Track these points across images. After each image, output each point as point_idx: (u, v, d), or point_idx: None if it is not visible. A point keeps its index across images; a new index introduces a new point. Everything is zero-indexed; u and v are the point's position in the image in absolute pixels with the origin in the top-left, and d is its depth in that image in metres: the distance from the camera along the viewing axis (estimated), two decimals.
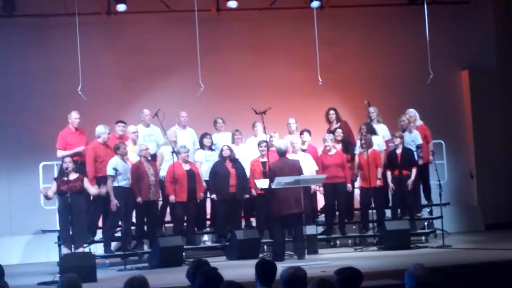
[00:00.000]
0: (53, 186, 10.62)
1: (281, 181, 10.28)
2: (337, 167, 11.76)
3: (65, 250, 10.54)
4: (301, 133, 12.20)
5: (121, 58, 13.45)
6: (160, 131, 12.01)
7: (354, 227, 12.47)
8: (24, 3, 12.71)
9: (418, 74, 13.50)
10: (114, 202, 10.89)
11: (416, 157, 12.03)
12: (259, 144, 11.71)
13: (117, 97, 13.27)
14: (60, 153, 11.44)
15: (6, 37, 13.09)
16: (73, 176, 10.54)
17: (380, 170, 11.84)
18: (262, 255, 11.09)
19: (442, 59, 13.82)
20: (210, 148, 12.00)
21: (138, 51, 13.50)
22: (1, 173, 13.01)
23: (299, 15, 13.58)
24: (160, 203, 11.67)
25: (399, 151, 11.85)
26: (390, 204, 12.19)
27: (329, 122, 12.61)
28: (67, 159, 10.65)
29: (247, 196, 11.67)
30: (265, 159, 11.48)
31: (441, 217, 11.69)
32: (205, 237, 12.23)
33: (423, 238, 11.97)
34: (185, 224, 11.55)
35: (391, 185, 11.81)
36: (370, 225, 12.00)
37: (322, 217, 12.36)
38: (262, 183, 11.08)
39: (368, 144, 11.79)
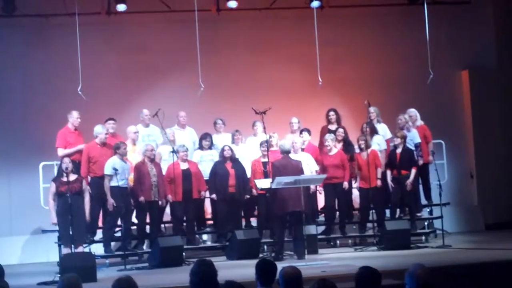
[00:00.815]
0: (52, 187, 10.59)
1: (281, 181, 10.30)
2: (337, 167, 11.76)
3: (65, 250, 10.53)
4: (301, 132, 12.21)
5: (121, 58, 13.45)
6: (159, 131, 12.01)
7: (354, 227, 12.47)
8: (24, 3, 12.70)
9: (418, 74, 13.50)
10: (111, 201, 10.90)
11: (416, 156, 12.05)
12: (261, 144, 11.71)
13: (117, 97, 13.27)
14: (61, 151, 11.38)
15: (6, 37, 13.10)
16: (72, 177, 10.51)
17: (380, 170, 11.85)
18: (262, 255, 11.09)
19: (442, 59, 13.82)
20: (209, 148, 11.99)
21: (138, 51, 13.49)
22: (1, 173, 13.02)
23: (299, 15, 13.58)
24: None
25: (399, 150, 11.85)
26: (390, 204, 12.20)
27: (329, 123, 12.59)
28: (66, 160, 10.62)
29: (248, 196, 11.67)
30: (266, 159, 11.48)
31: (441, 217, 11.70)
32: (205, 237, 12.23)
33: (423, 238, 11.97)
34: (184, 224, 11.55)
35: (390, 184, 11.81)
36: (370, 225, 12.00)
37: (321, 217, 12.35)
38: (263, 183, 11.10)
39: (367, 145, 11.80)
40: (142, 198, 11.02)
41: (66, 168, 10.45)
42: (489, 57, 14.59)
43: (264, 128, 11.52)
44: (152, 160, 11.30)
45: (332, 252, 11.47)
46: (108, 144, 11.35)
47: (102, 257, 11.07)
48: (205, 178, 11.70)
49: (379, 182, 11.79)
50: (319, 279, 4.80)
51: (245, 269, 8.43)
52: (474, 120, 14.42)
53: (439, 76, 13.31)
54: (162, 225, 11.84)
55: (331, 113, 12.59)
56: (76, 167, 11.01)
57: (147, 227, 11.44)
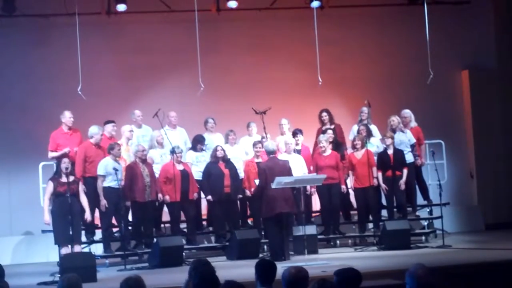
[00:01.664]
0: (49, 187, 10.46)
1: (281, 181, 10.25)
2: (332, 168, 11.70)
3: (65, 250, 10.51)
4: (294, 133, 12.17)
5: (121, 58, 13.44)
6: (152, 131, 11.97)
7: (354, 227, 12.46)
8: (24, 3, 12.70)
9: (418, 74, 13.50)
10: (103, 202, 10.89)
11: (412, 157, 12.06)
12: (254, 145, 11.70)
13: (117, 97, 13.27)
14: (50, 154, 11.48)
15: (6, 37, 13.10)
16: (71, 177, 10.44)
17: (375, 169, 11.83)
18: (262, 255, 11.09)
19: (442, 59, 13.81)
20: (201, 149, 11.96)
21: (138, 51, 13.49)
22: (1, 173, 13.02)
23: (299, 15, 13.59)
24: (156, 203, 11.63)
25: (390, 151, 11.84)
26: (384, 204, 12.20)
27: (323, 124, 12.55)
28: (66, 160, 10.54)
29: (240, 196, 11.67)
30: (260, 160, 11.47)
31: (441, 217, 11.69)
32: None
33: (423, 238, 11.98)
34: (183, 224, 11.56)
35: (383, 185, 11.81)
36: (370, 225, 12.00)
37: (315, 219, 12.32)
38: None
39: (363, 145, 11.80)
40: (128, 203, 10.96)
41: (66, 169, 10.36)
42: (489, 57, 14.59)
43: (264, 128, 11.52)
44: (144, 161, 11.24)
45: (332, 252, 11.47)
46: (103, 147, 11.30)
47: (102, 257, 11.07)
48: (196, 179, 11.63)
49: (375, 181, 11.78)
50: (319, 279, 4.80)
51: (245, 269, 8.43)
52: (474, 120, 14.42)
53: (439, 76, 13.30)
54: (162, 225, 11.83)
55: (324, 114, 12.51)
56: (73, 167, 10.96)
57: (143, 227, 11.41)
